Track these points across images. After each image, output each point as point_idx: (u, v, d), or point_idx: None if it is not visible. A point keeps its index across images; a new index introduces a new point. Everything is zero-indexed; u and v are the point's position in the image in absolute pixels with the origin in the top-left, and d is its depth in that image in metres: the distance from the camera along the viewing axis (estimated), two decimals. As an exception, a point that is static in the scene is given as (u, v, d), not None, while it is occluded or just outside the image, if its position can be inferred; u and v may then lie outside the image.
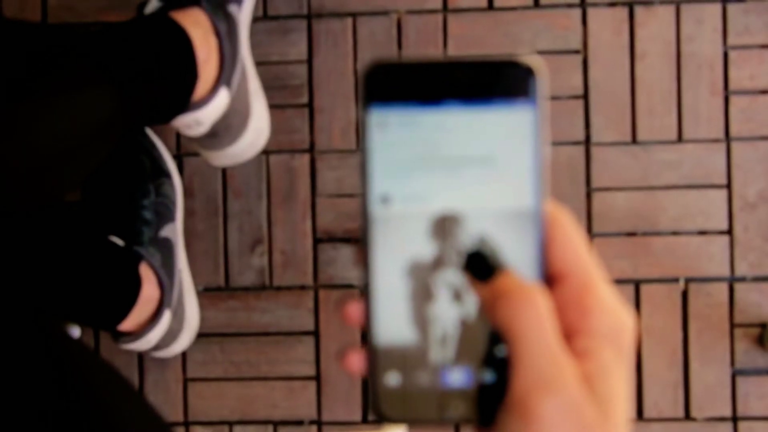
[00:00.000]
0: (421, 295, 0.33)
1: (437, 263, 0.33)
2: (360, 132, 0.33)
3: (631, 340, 0.32)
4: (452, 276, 0.33)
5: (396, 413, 0.33)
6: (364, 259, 0.33)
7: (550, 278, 0.33)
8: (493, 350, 0.32)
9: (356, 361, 0.33)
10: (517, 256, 0.33)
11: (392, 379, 0.33)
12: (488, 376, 0.32)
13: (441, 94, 0.32)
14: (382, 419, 0.33)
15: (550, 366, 0.30)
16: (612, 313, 0.32)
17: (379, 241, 0.33)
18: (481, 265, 0.32)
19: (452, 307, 0.33)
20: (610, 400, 0.30)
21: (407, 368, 0.33)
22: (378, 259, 0.33)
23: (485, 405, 0.32)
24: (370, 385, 0.33)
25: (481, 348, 0.32)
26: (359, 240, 0.33)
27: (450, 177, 0.32)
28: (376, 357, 0.33)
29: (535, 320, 0.31)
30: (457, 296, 0.33)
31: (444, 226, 0.32)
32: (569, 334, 0.32)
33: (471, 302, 0.33)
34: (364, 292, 0.33)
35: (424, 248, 0.33)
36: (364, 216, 0.33)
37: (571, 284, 0.32)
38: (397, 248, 0.33)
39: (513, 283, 0.32)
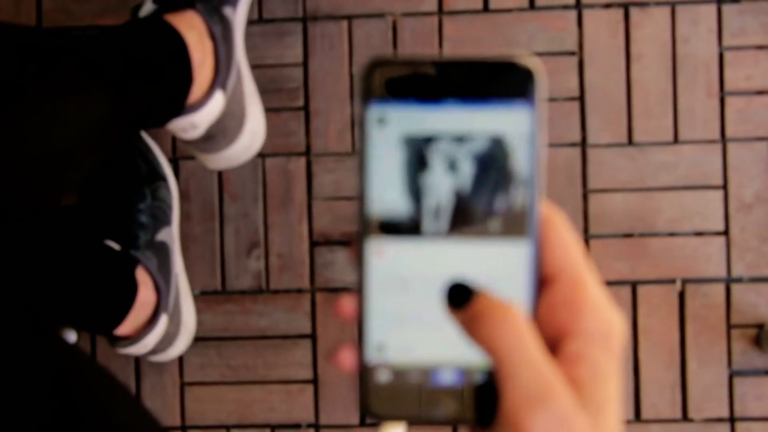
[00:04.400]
0: (415, 165, 0.33)
1: (431, 138, 0.33)
2: (358, 129, 0.33)
3: (621, 340, 0.32)
4: (447, 146, 0.32)
5: (386, 410, 0.33)
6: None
7: (543, 279, 0.33)
8: (485, 224, 0.32)
9: (347, 358, 0.33)
10: (512, 257, 0.33)
11: (383, 375, 0.33)
12: (479, 376, 0.32)
13: (439, 92, 0.32)
14: (370, 415, 0.33)
15: (536, 380, 0.30)
16: (602, 313, 0.32)
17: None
18: (458, 294, 0.32)
19: (446, 178, 0.32)
20: (602, 405, 0.30)
21: (399, 243, 0.33)
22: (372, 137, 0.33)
23: (476, 404, 0.32)
24: (360, 381, 0.33)
25: (474, 222, 0.32)
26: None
27: (446, 177, 0.32)
28: (367, 322, 0.33)
29: (514, 335, 0.31)
30: (452, 167, 0.32)
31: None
32: (560, 335, 0.32)
33: (465, 173, 0.32)
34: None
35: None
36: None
37: (563, 285, 0.32)
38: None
39: (489, 302, 0.32)
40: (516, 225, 0.32)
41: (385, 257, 0.33)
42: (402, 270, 0.33)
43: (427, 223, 0.33)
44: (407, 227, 0.33)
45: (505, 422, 0.30)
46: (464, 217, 0.32)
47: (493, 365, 0.31)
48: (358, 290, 0.33)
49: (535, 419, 0.29)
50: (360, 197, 0.33)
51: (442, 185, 0.32)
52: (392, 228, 0.33)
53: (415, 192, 0.32)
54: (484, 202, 0.32)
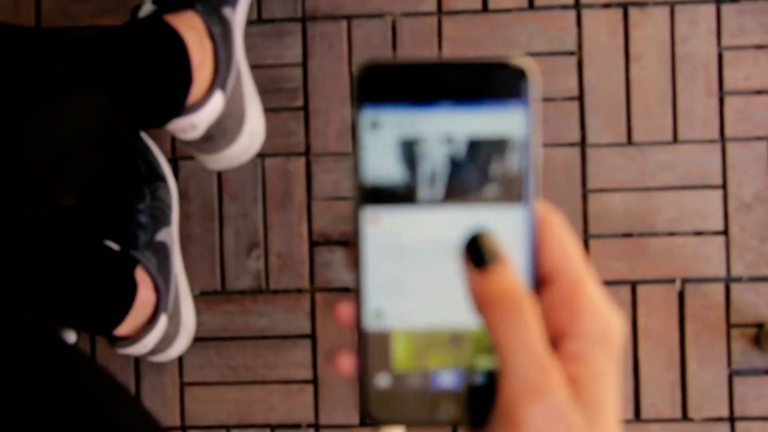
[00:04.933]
0: (410, 148, 0.33)
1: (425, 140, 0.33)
2: (353, 133, 0.33)
3: (620, 341, 0.32)
4: (442, 119, 0.32)
5: (386, 414, 0.33)
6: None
7: (540, 279, 0.33)
8: (481, 190, 0.32)
9: (347, 362, 0.33)
10: (508, 223, 0.33)
11: (383, 379, 0.33)
12: (479, 378, 0.33)
13: (434, 95, 0.32)
14: (371, 419, 0.33)
15: (536, 372, 0.30)
16: (601, 314, 0.32)
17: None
18: (480, 250, 0.32)
19: (442, 146, 0.32)
20: (600, 404, 0.30)
21: (394, 211, 0.33)
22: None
23: (476, 406, 0.32)
24: (359, 385, 0.33)
25: (469, 190, 0.32)
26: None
27: (442, 178, 0.32)
28: (365, 343, 0.33)
29: (522, 330, 0.31)
30: (448, 138, 0.32)
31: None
32: (559, 336, 0.32)
33: (461, 141, 0.32)
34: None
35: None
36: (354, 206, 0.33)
37: (562, 285, 0.32)
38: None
39: (505, 286, 0.31)
40: (513, 191, 0.32)
41: (381, 225, 0.33)
42: (398, 237, 0.33)
43: (422, 191, 0.33)
44: (402, 195, 0.33)
45: (502, 412, 0.30)
46: (460, 188, 0.32)
47: (493, 352, 0.31)
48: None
49: (531, 411, 0.30)
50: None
51: (438, 156, 0.33)
52: (387, 196, 0.33)
53: (411, 161, 0.33)
54: (478, 175, 0.32)
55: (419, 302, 0.33)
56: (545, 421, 0.29)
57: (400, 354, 0.33)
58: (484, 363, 0.33)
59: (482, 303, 0.31)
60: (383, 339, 0.33)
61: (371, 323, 0.33)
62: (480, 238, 0.32)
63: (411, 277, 0.33)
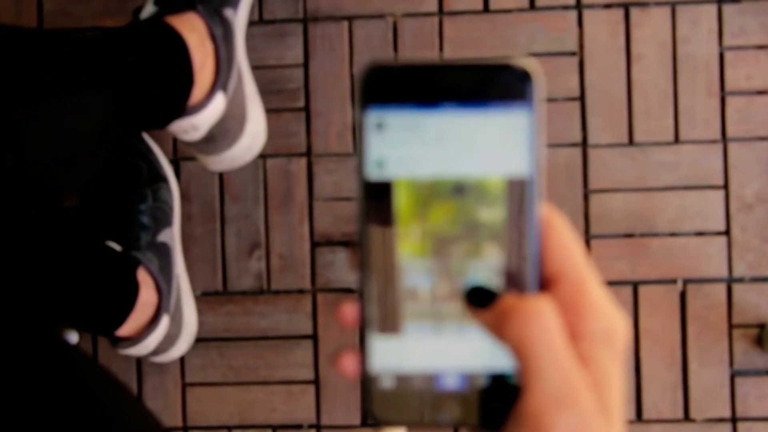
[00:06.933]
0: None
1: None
2: (357, 133, 0.33)
3: (624, 342, 0.32)
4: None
5: (390, 415, 0.33)
6: (360, 261, 0.33)
7: (545, 281, 0.33)
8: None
9: (350, 363, 0.33)
10: (514, 260, 0.33)
11: (387, 380, 0.33)
12: (481, 380, 0.33)
13: (438, 96, 0.32)
14: (375, 420, 0.33)
15: (563, 382, 0.30)
16: (606, 315, 0.32)
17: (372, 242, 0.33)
18: (481, 294, 0.32)
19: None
20: (612, 406, 0.31)
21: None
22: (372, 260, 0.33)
23: (481, 407, 0.32)
24: (363, 386, 0.33)
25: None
26: (355, 243, 0.33)
27: (446, 179, 0.32)
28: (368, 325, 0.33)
29: (545, 335, 0.31)
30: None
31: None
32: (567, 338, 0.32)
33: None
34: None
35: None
36: (359, 215, 0.33)
37: (566, 287, 0.32)
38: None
39: (518, 300, 0.32)
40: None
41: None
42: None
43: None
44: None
45: (527, 421, 0.30)
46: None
47: (517, 362, 0.31)
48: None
49: (558, 421, 0.30)
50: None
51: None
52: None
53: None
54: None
55: (421, 151, 0.32)
56: (570, 431, 0.30)
57: (403, 205, 0.33)
58: (489, 364, 0.33)
59: (500, 321, 0.31)
60: (385, 189, 0.33)
61: (373, 173, 0.33)
62: (476, 288, 0.32)
63: (414, 127, 0.32)
